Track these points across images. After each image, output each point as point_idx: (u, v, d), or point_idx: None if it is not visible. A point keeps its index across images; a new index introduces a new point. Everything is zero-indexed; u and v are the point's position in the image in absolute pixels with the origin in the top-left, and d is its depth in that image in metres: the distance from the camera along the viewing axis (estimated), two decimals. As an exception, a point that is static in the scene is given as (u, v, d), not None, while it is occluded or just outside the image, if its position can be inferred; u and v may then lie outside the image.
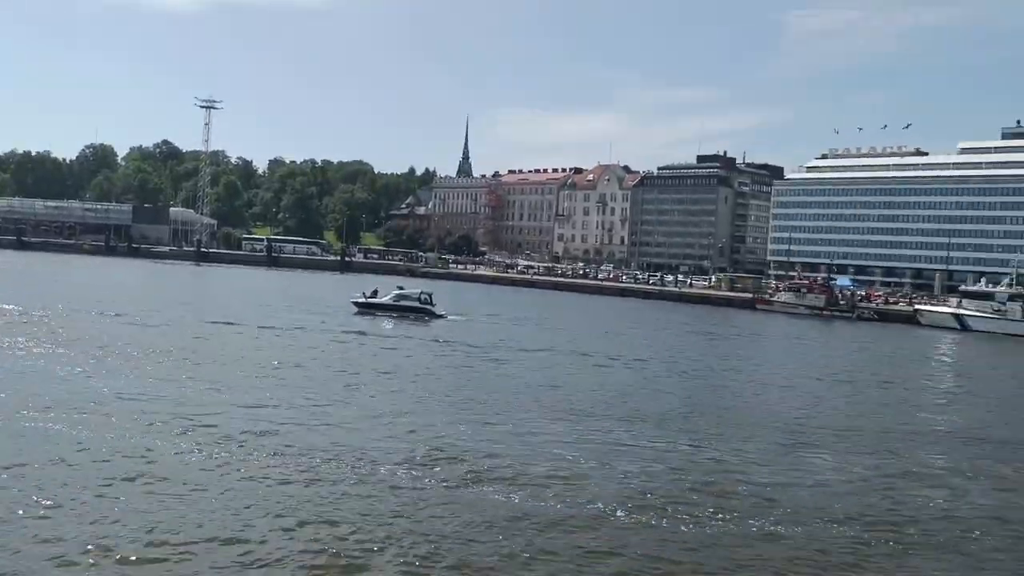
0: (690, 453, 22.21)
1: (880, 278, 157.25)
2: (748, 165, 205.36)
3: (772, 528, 16.22)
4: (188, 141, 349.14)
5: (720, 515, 16.77)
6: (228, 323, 48.66)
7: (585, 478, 18.93)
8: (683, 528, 15.95)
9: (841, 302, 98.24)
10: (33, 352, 32.27)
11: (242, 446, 19.88)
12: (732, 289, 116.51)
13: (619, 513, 16.49)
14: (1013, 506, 19.53)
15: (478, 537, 14.79)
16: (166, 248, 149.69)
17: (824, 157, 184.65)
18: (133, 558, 13.14)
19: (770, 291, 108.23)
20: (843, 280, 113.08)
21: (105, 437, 19.82)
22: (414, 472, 18.49)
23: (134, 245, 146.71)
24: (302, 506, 15.86)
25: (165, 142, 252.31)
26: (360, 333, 47.92)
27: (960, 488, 20.64)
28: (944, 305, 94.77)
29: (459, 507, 16.30)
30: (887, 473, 21.60)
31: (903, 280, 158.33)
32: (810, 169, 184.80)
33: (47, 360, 30.50)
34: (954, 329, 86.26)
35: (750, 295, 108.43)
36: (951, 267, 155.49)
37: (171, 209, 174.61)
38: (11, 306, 48.06)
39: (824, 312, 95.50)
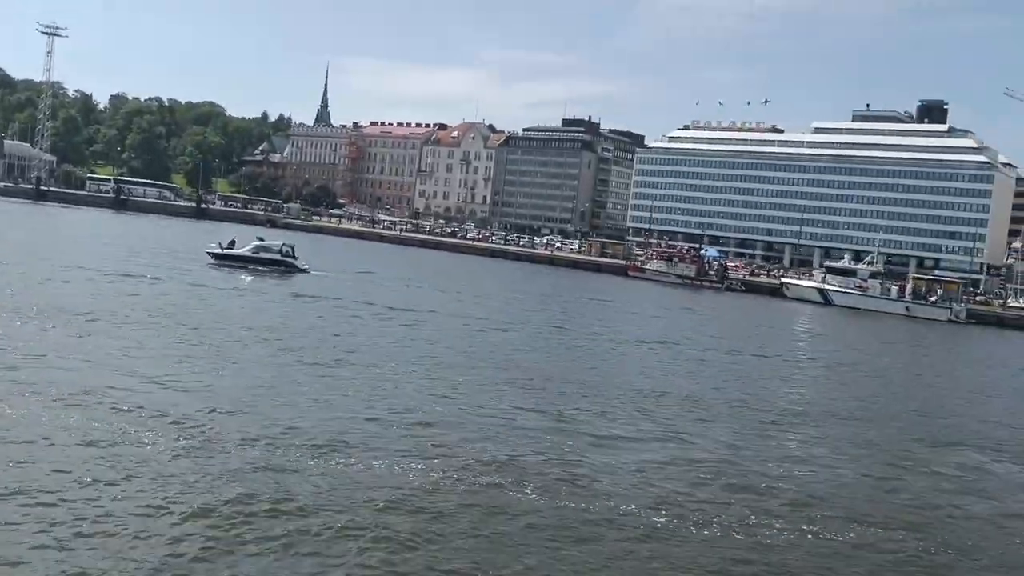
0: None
1: (733, 249, 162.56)
2: (611, 132, 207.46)
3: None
4: (20, 69, 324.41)
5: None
6: (78, 268, 44.68)
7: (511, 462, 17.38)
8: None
9: (710, 272, 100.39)
10: None
11: (107, 411, 17.30)
12: (602, 255, 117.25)
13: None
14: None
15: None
16: (0, 184, 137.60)
17: (686, 128, 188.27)
18: None
19: (642, 259, 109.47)
20: (711, 251, 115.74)
21: None
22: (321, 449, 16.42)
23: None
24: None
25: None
26: (217, 288, 44.21)
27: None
28: (809, 279, 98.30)
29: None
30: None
31: (755, 252, 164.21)
32: (672, 139, 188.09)
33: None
34: (818, 303, 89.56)
35: (621, 262, 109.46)
36: (801, 241, 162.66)
37: (5, 142, 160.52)
38: None
39: (694, 281, 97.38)
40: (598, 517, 14.75)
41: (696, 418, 24.06)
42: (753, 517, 15.66)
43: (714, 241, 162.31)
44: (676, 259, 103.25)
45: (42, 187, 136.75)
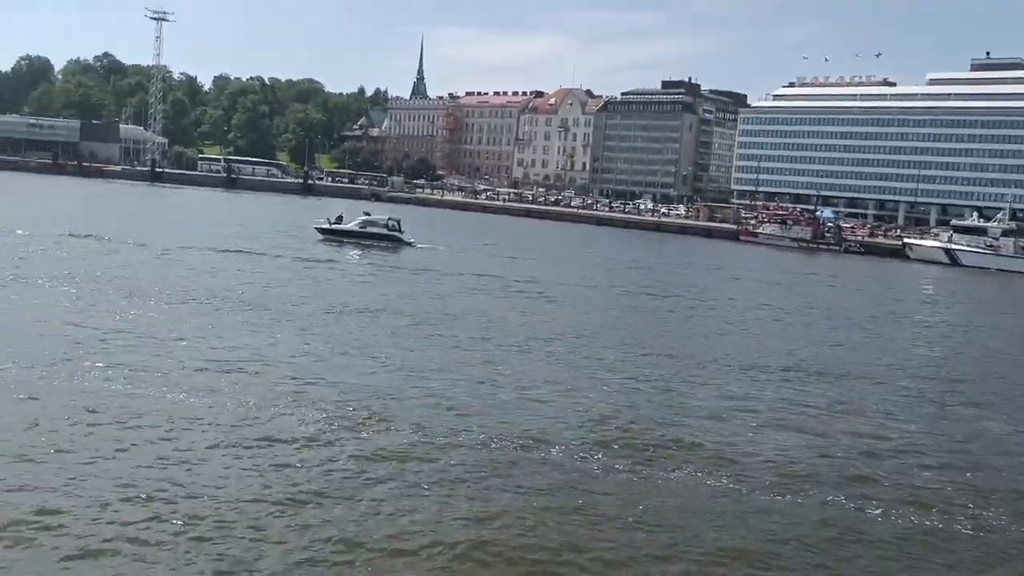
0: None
1: (844, 209, 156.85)
2: (712, 92, 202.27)
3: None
4: (129, 54, 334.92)
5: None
6: (204, 248, 45.94)
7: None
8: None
9: (827, 234, 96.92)
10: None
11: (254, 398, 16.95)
12: (711, 219, 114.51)
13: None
14: None
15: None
16: (118, 167, 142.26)
17: (791, 85, 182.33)
18: None
19: (753, 222, 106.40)
20: (827, 212, 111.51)
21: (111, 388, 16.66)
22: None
23: (84, 163, 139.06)
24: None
25: (106, 55, 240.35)
26: (336, 265, 44.49)
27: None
28: (934, 239, 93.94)
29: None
30: None
31: (866, 212, 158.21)
32: (776, 97, 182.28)
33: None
34: (944, 264, 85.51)
35: (732, 226, 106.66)
36: (916, 199, 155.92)
37: (121, 126, 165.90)
38: None
39: (810, 244, 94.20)
40: (821, 505, 13.81)
41: (865, 392, 22.76)
42: (971, 504, 14.44)
43: (823, 202, 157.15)
44: (790, 222, 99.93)
45: (157, 168, 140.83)
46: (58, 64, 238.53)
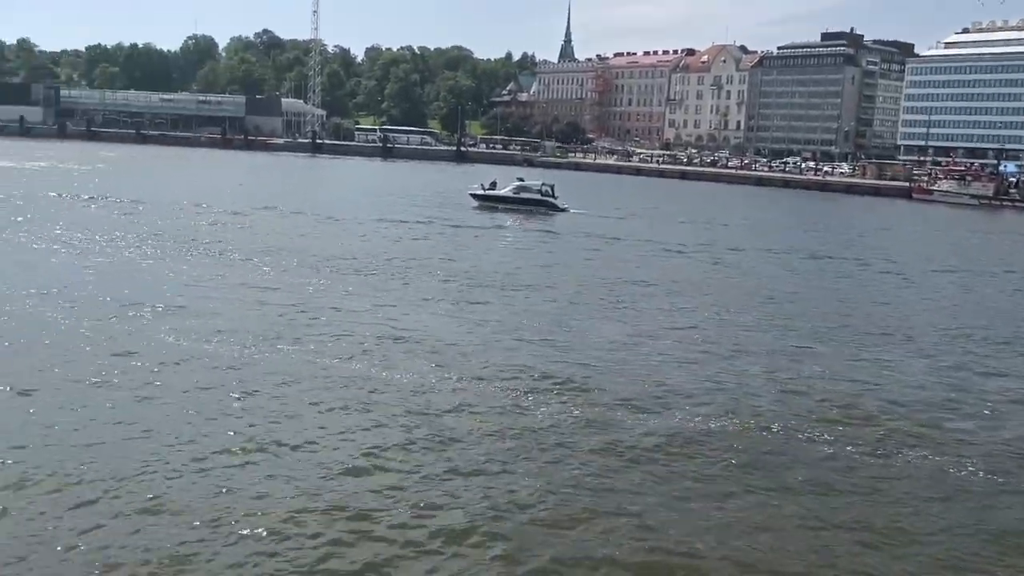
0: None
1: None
2: (876, 43, 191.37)
3: None
4: (286, 29, 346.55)
5: None
6: (383, 219, 46.62)
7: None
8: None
9: (1012, 191, 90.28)
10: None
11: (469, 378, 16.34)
12: (880, 177, 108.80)
13: None
14: None
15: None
16: (281, 140, 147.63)
17: (965, 31, 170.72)
18: None
19: (926, 179, 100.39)
20: (1010, 166, 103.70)
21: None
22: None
23: (250, 137, 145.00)
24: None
25: (265, 31, 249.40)
26: (491, 228, 44.77)
27: None
28: None
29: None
30: None
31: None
32: (949, 45, 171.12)
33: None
34: None
35: (903, 184, 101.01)
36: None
37: (282, 100, 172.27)
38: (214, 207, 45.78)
39: (992, 202, 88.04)
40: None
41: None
42: None
43: (999, 155, 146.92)
44: (970, 178, 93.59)
45: (317, 140, 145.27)
46: (222, 42, 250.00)
